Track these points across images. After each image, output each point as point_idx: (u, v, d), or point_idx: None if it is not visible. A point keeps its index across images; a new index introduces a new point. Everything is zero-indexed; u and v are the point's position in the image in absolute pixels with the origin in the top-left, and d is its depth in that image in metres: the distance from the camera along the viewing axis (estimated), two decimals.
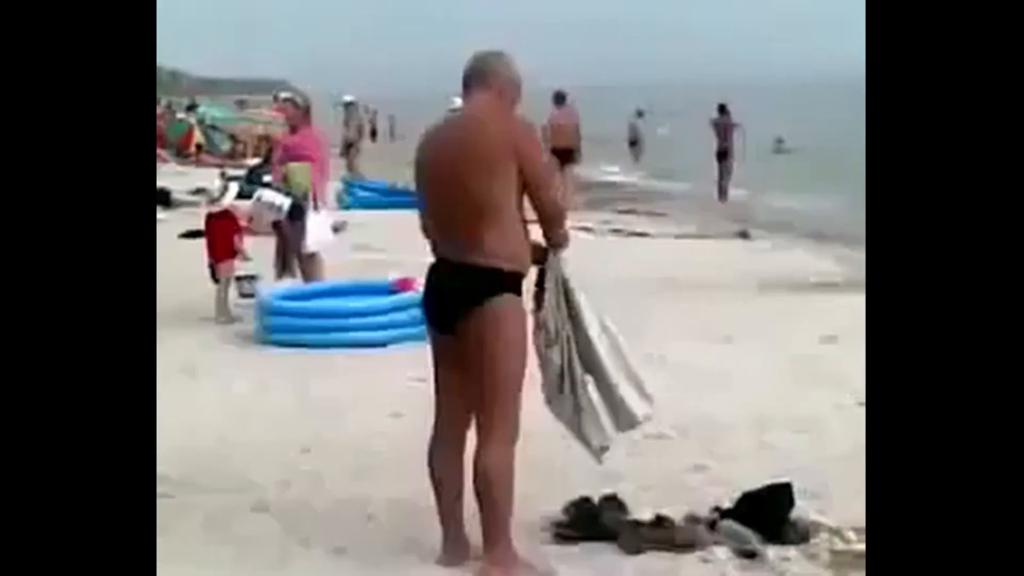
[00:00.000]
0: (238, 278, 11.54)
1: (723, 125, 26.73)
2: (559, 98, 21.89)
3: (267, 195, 11.53)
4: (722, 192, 26.46)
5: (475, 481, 5.12)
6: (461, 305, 5.05)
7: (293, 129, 11.84)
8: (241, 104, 46.30)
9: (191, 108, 43.57)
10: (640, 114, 32.24)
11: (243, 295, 11.42)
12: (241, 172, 23.70)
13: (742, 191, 26.74)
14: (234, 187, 14.12)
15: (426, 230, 5.31)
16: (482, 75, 5.23)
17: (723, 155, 26.46)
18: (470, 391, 5.15)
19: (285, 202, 11.28)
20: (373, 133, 41.09)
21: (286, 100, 12.48)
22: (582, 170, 24.25)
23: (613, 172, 33.21)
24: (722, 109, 27.05)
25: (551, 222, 5.25)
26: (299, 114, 11.74)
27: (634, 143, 31.96)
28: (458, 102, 5.45)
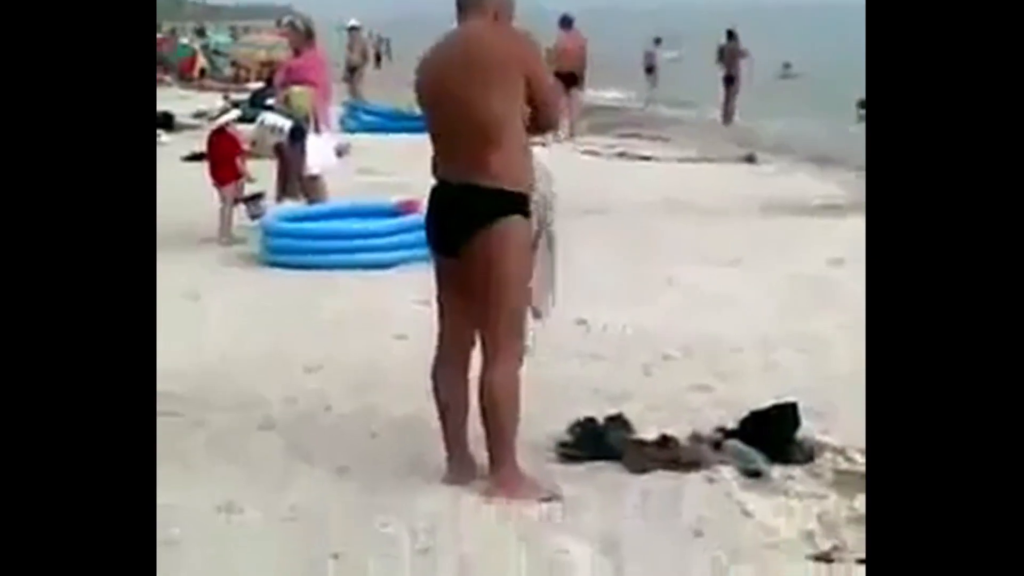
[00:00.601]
0: (245, 199, 11.48)
1: (730, 51, 26.67)
2: (565, 21, 21.72)
3: (269, 118, 11.52)
4: (727, 116, 26.45)
5: (481, 401, 5.12)
6: (466, 227, 5.01)
7: (296, 53, 11.80)
8: (244, 30, 46.06)
9: (200, 34, 43.40)
10: (657, 41, 32.01)
11: (252, 216, 11.37)
12: (245, 96, 23.61)
13: (748, 116, 26.64)
14: (235, 110, 14.08)
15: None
16: None
17: (729, 80, 26.42)
18: (475, 312, 5.13)
19: (286, 124, 11.25)
20: (378, 58, 40.89)
21: (288, 24, 12.44)
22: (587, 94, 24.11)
23: (622, 98, 33.08)
24: (730, 35, 26.97)
25: (539, 133, 5.23)
26: (301, 38, 11.70)
27: (650, 70, 31.81)
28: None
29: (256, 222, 11.21)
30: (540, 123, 5.15)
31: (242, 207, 11.48)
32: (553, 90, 5.40)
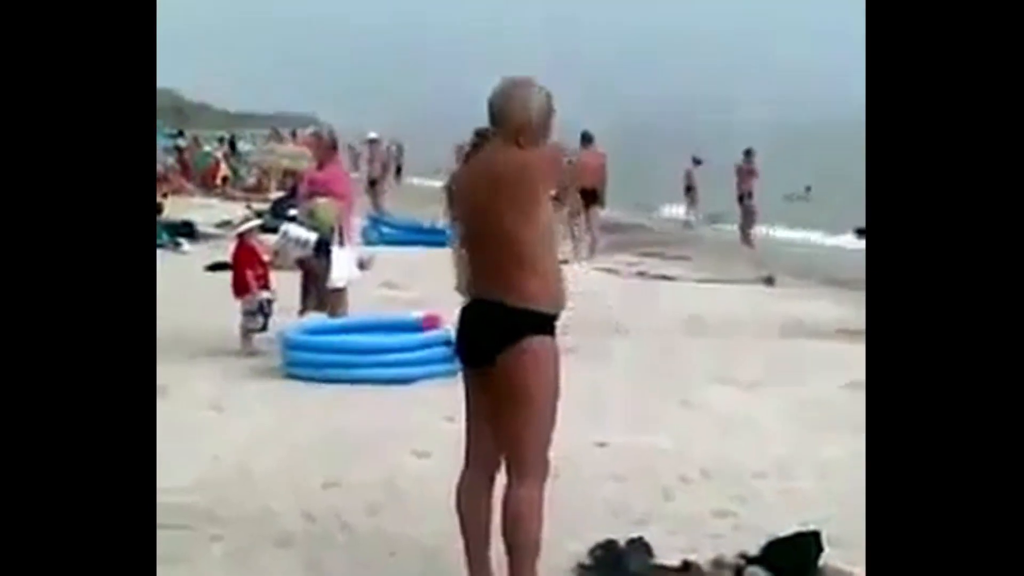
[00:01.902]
0: (250, 312, 11.48)
1: (745, 170, 26.95)
2: (586, 138, 21.88)
3: (293, 230, 11.56)
4: (745, 237, 26.55)
5: (504, 521, 5.09)
6: (496, 343, 5.03)
7: (319, 164, 11.90)
8: (275, 135, 46.47)
9: (232, 145, 43.80)
10: (697, 162, 32.26)
11: (251, 330, 11.37)
12: (266, 206, 23.81)
13: (767, 235, 26.81)
14: (256, 220, 14.17)
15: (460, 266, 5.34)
16: (498, 117, 5.18)
17: (744, 197, 26.68)
18: (501, 430, 5.13)
19: (311, 237, 11.30)
20: (398, 170, 41.21)
21: (312, 134, 12.55)
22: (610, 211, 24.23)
23: (644, 221, 33.29)
24: (747, 153, 27.21)
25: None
26: (325, 149, 11.80)
27: (689, 190, 32.03)
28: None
29: (258, 335, 11.22)
30: (575, 190, 5.30)
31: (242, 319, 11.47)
32: (567, 172, 5.49)
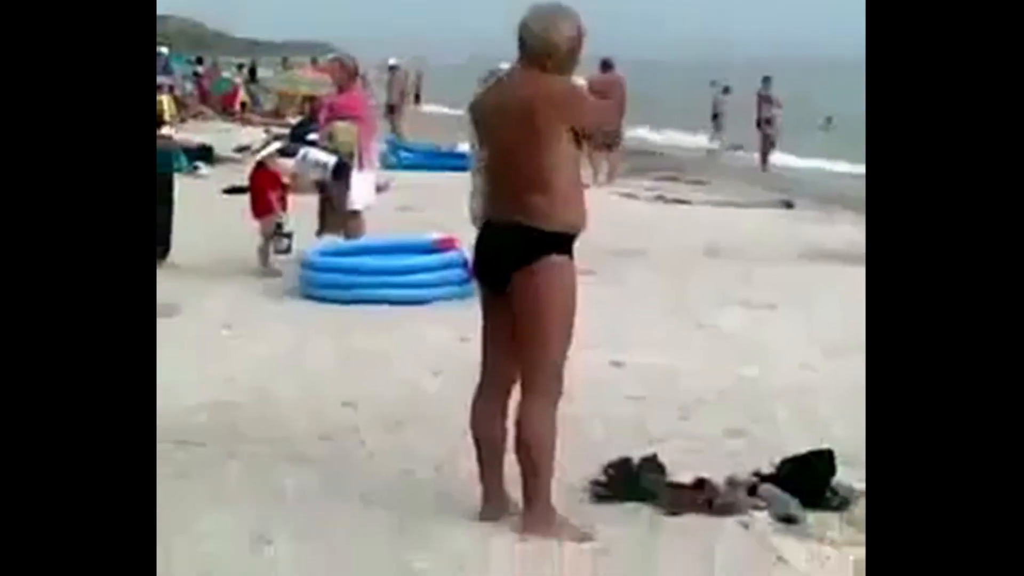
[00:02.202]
0: (274, 234, 11.51)
1: (763, 96, 26.97)
2: (606, 65, 21.75)
3: (312, 153, 11.55)
4: (764, 160, 26.59)
5: (517, 440, 5.11)
6: (512, 263, 5.03)
7: (340, 89, 11.89)
8: (285, 63, 46.30)
9: (252, 72, 43.68)
10: (726, 90, 32.13)
11: (278, 251, 11.42)
12: (285, 130, 23.76)
13: (789, 162, 26.73)
14: (276, 143, 14.14)
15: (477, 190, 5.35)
16: (527, 41, 5.12)
17: (764, 123, 26.68)
18: (517, 349, 5.13)
19: (330, 160, 11.29)
20: (417, 97, 41.02)
21: (334, 60, 12.54)
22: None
23: (662, 141, 33.17)
24: (765, 80, 27.27)
25: (605, 148, 5.33)
26: (346, 75, 11.80)
27: (716, 117, 32.00)
28: (504, 66, 5.40)
29: (282, 257, 11.25)
30: (599, 142, 5.23)
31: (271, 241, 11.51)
32: (601, 116, 5.44)
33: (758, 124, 26.94)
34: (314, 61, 44.95)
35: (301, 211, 11.78)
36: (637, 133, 29.61)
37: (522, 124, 4.98)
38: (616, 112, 5.37)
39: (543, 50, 5.08)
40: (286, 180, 11.92)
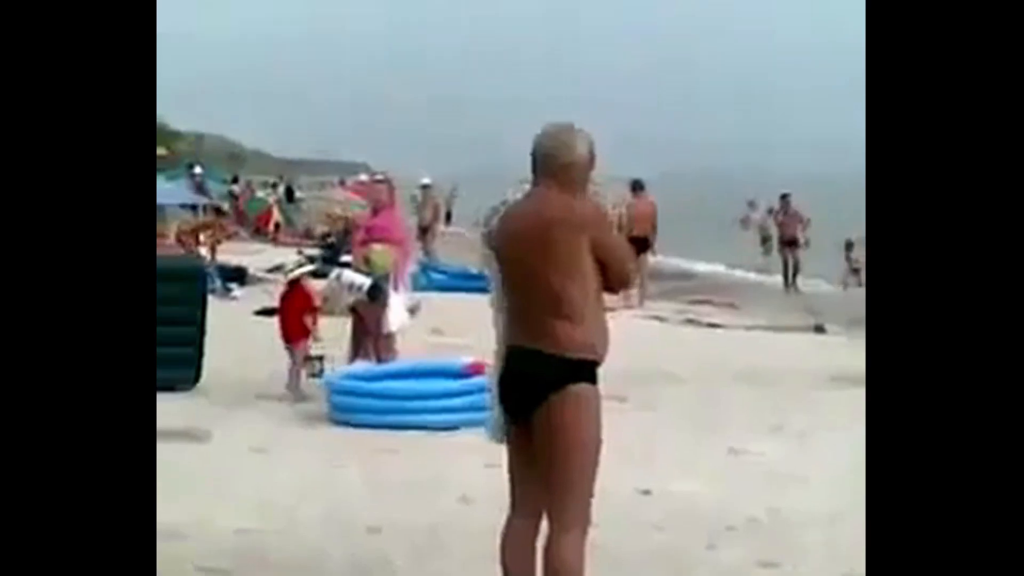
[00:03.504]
0: (307, 358, 11.54)
1: (783, 215, 26.96)
2: (637, 186, 21.91)
3: (346, 275, 11.62)
4: (787, 283, 26.51)
5: (546, 570, 5.06)
6: (538, 392, 5.03)
7: (375, 211, 11.96)
8: (320, 186, 46.81)
9: (290, 192, 44.04)
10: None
11: (311, 375, 11.44)
12: (317, 251, 23.94)
13: (818, 284, 26.72)
14: (310, 264, 14.23)
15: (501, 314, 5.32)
16: (544, 162, 5.16)
17: (787, 244, 26.75)
18: (544, 479, 5.11)
19: (365, 282, 11.34)
20: (448, 216, 41.27)
21: (377, 180, 12.59)
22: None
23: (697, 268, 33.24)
24: (783, 198, 27.22)
25: (615, 291, 5.27)
26: (386, 195, 11.87)
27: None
28: (526, 187, 5.39)
29: (316, 380, 11.26)
30: (613, 283, 5.17)
31: (304, 365, 11.53)
32: (623, 249, 5.42)
33: (783, 245, 26.88)
34: (342, 182, 45.38)
35: (331, 334, 11.81)
36: (668, 257, 29.65)
37: (546, 245, 5.00)
38: (632, 257, 5.32)
39: (562, 169, 5.12)
40: (317, 302, 11.97)
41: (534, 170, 5.22)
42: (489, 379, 5.58)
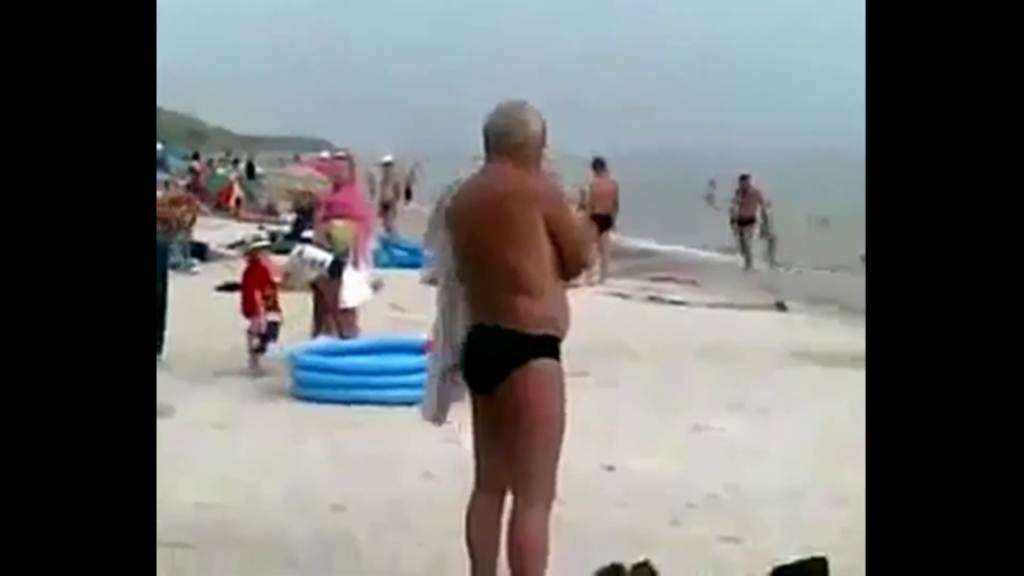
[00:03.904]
0: (250, 332, 11.50)
1: (742, 195, 27.18)
2: (598, 164, 21.93)
3: (308, 251, 11.59)
4: (747, 262, 26.66)
5: (509, 545, 5.08)
6: (501, 367, 5.03)
7: (336, 187, 11.92)
8: (293, 159, 46.69)
9: (251, 168, 43.85)
10: (712, 184, 32.39)
11: (255, 350, 11.39)
12: (278, 228, 23.88)
13: (781, 263, 26.79)
14: (264, 238, 14.13)
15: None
16: (497, 140, 5.18)
17: (744, 224, 26.83)
18: (508, 454, 5.12)
19: (327, 258, 11.32)
20: (408, 193, 41.09)
21: (338, 157, 12.53)
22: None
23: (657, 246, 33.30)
24: (743, 179, 27.42)
25: (570, 276, 5.21)
26: (348, 172, 11.83)
27: (764, 234, 32.03)
28: (481, 164, 5.40)
29: (269, 355, 11.21)
30: (569, 266, 5.15)
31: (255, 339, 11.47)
32: (581, 230, 5.43)
33: (739, 223, 26.94)
34: (296, 158, 45.21)
35: (294, 310, 11.78)
36: (629, 235, 29.66)
37: (501, 220, 5.00)
38: (591, 240, 5.32)
39: (515, 146, 5.14)
40: (278, 278, 11.94)
41: (487, 148, 5.24)
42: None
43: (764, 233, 26.92)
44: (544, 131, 5.25)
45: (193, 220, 23.48)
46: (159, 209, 20.53)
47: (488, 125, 5.22)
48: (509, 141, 5.16)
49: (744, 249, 26.83)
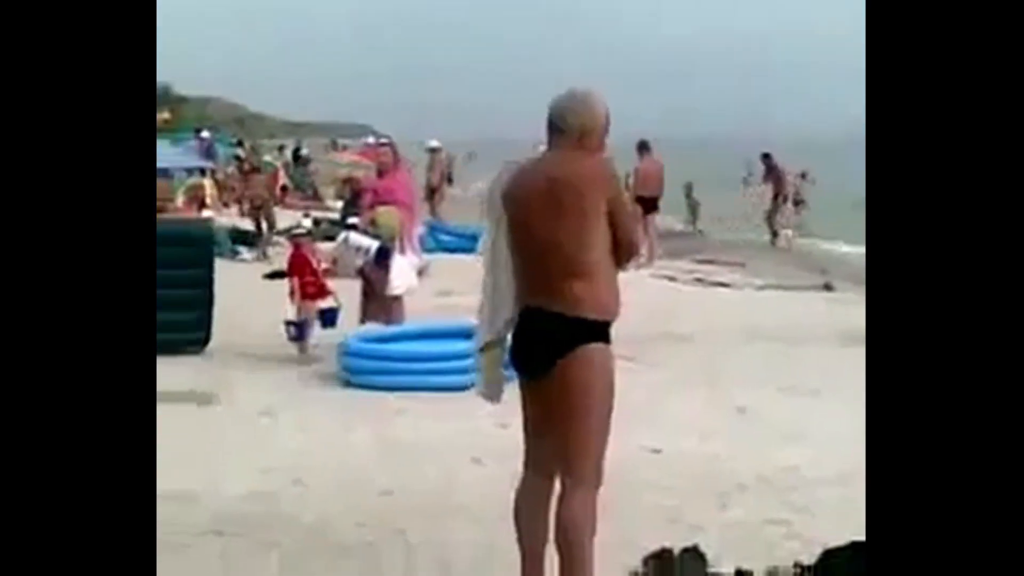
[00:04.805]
0: (286, 322, 11.53)
1: (768, 171, 27.72)
2: (643, 146, 21.85)
3: (353, 238, 11.61)
4: (774, 235, 26.92)
5: (557, 528, 5.07)
6: (552, 352, 5.03)
7: (380, 173, 11.92)
8: (332, 144, 46.73)
9: (296, 155, 43.89)
10: (803, 176, 32.33)
11: (290, 339, 11.44)
12: (324, 214, 23.91)
13: (827, 242, 26.70)
14: (307, 221, 14.15)
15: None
16: (562, 122, 5.18)
17: (774, 198, 27.27)
18: (556, 438, 5.12)
19: (372, 245, 11.34)
20: (449, 179, 41.05)
21: (382, 144, 12.54)
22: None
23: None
24: (765, 158, 27.86)
25: (623, 259, 5.19)
26: (392, 158, 11.82)
27: (798, 203, 31.98)
28: (542, 149, 5.40)
29: (295, 345, 11.24)
30: (623, 251, 5.15)
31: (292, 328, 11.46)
32: (632, 217, 5.42)
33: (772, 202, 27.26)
34: (334, 144, 45.17)
35: (342, 296, 11.80)
36: (673, 215, 29.61)
37: (557, 205, 4.99)
38: (638, 229, 5.28)
39: (581, 130, 5.14)
40: (325, 265, 11.95)
41: (550, 134, 5.23)
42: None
43: (797, 203, 27.24)
44: (607, 118, 5.25)
45: (225, 205, 23.57)
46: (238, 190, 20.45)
47: (553, 111, 5.22)
48: (567, 127, 5.16)
49: (771, 226, 26.96)
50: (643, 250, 20.31)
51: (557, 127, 5.20)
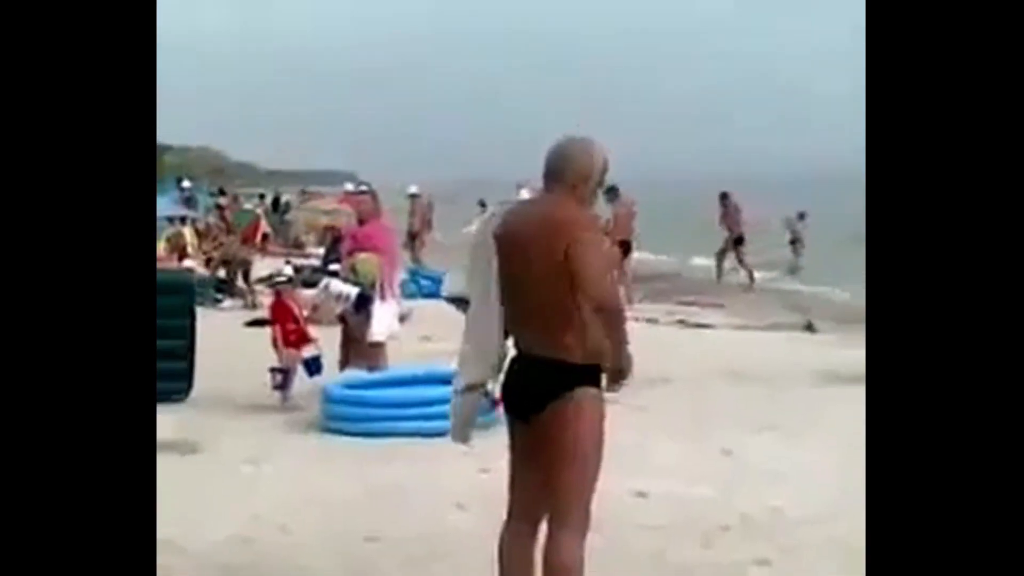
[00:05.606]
0: (271, 369, 11.52)
1: (727, 212, 27.70)
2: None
3: (334, 285, 11.61)
4: (751, 277, 27.14)
5: (545, 573, 5.07)
6: (541, 396, 5.04)
7: (360, 220, 11.93)
8: (304, 194, 46.75)
9: (276, 203, 43.83)
10: (801, 216, 32.40)
11: (274, 387, 11.42)
12: (305, 261, 23.90)
13: (811, 283, 26.80)
14: (288, 269, 14.16)
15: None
16: (556, 170, 5.19)
17: (736, 242, 27.42)
18: (545, 482, 5.12)
19: (352, 292, 11.34)
20: (429, 223, 41.01)
21: (361, 191, 12.57)
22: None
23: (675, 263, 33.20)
24: (723, 196, 27.94)
25: (607, 316, 5.03)
26: (372, 205, 11.83)
27: (794, 242, 32.13)
28: (524, 194, 5.43)
29: (278, 393, 11.23)
30: (595, 305, 5.04)
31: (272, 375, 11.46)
32: (598, 267, 5.21)
33: (734, 243, 27.43)
34: (303, 192, 45.25)
35: (324, 343, 11.79)
36: (649, 256, 29.65)
37: (540, 251, 5.00)
38: (605, 275, 5.08)
39: (578, 176, 5.16)
40: (306, 312, 11.95)
41: (546, 178, 5.23)
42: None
43: (793, 242, 27.43)
44: (602, 167, 5.25)
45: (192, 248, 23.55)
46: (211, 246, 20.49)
47: (551, 155, 5.23)
48: (561, 174, 5.18)
49: (719, 265, 27.53)
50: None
51: (551, 175, 5.21)
